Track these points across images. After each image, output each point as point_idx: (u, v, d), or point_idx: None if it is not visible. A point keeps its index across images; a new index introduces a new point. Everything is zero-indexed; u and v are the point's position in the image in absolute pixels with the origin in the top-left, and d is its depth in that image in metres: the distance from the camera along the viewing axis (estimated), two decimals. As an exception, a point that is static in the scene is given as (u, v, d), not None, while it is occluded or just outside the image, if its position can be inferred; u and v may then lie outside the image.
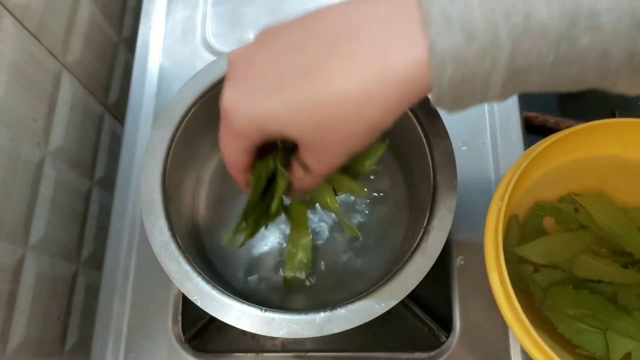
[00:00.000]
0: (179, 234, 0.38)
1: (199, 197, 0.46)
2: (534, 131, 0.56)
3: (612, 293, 0.37)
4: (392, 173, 0.46)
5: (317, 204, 0.41)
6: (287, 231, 0.43)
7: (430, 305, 0.42)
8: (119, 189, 0.46)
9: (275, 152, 0.32)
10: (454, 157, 0.37)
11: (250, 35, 0.52)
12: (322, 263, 0.43)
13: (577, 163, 0.40)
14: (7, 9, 0.39)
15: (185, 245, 0.37)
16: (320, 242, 0.44)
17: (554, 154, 0.38)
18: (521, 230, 0.40)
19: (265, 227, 0.37)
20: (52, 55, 0.45)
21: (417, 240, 0.35)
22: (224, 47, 0.52)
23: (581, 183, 0.41)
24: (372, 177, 0.45)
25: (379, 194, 0.45)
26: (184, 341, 0.42)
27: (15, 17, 0.40)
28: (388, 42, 0.22)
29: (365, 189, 0.40)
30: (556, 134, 0.35)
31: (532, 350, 0.30)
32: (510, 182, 0.33)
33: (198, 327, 0.42)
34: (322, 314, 0.34)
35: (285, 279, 0.42)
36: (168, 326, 0.43)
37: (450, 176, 0.37)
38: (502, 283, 0.32)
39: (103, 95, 0.55)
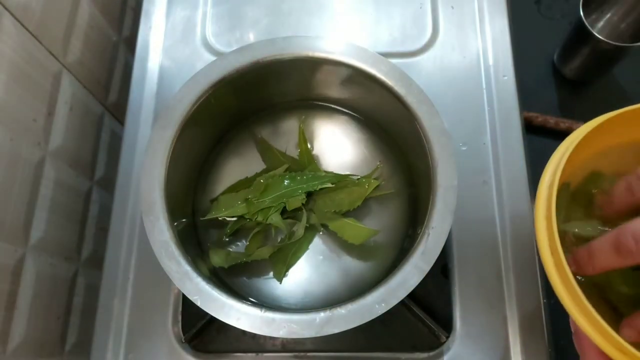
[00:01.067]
0: (178, 234, 0.38)
1: (199, 197, 0.46)
2: (534, 131, 0.56)
3: None
4: (393, 173, 0.46)
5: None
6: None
7: (430, 305, 0.42)
8: (119, 189, 0.46)
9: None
10: (454, 157, 0.37)
11: (251, 36, 0.52)
12: (322, 262, 0.44)
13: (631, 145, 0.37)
14: (7, 9, 0.39)
15: (184, 246, 0.37)
16: (320, 242, 0.44)
17: (610, 133, 0.35)
18: (572, 198, 0.37)
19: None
20: (52, 55, 0.45)
21: (417, 240, 0.35)
22: (224, 47, 0.52)
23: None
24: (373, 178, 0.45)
25: (379, 195, 0.45)
26: (184, 341, 0.42)
27: (15, 17, 0.40)
28: None
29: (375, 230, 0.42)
30: (615, 112, 0.33)
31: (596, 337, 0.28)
32: (565, 154, 0.31)
33: (198, 327, 0.42)
34: (322, 314, 0.34)
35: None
36: (168, 326, 0.43)
37: (450, 176, 0.37)
38: (558, 265, 0.29)
39: (103, 95, 0.55)
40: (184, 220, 0.42)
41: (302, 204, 0.43)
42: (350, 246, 0.43)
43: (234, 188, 0.45)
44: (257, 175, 0.45)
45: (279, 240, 0.44)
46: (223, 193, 0.45)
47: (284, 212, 0.43)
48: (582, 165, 0.36)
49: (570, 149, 0.31)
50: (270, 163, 0.46)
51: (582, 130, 0.33)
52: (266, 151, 0.47)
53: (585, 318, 0.28)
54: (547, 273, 0.30)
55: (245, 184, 0.45)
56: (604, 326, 0.27)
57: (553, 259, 0.30)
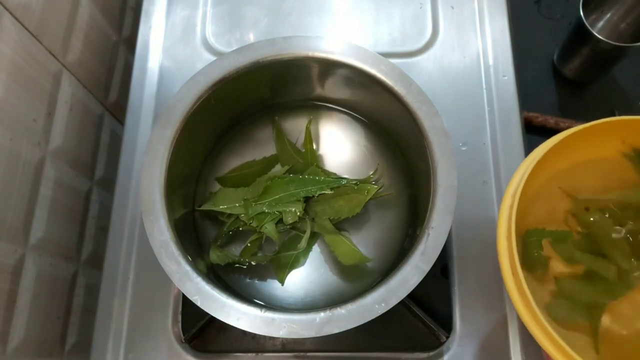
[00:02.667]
0: (178, 233, 0.38)
1: (199, 197, 0.46)
2: (534, 131, 0.56)
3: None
4: (393, 173, 0.46)
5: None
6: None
7: (430, 305, 0.42)
8: (119, 189, 0.46)
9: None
10: (454, 157, 0.37)
11: (251, 36, 0.52)
12: (323, 263, 0.44)
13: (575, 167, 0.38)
14: (7, 9, 0.39)
15: (183, 242, 0.37)
16: (321, 243, 0.44)
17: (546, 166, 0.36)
18: (523, 259, 0.36)
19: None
20: (52, 55, 0.45)
21: (417, 241, 0.35)
22: (224, 47, 0.52)
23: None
24: (372, 181, 0.45)
25: (379, 195, 0.45)
26: (184, 341, 0.42)
27: (15, 17, 0.40)
28: None
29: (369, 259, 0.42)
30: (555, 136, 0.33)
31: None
32: (525, 174, 0.32)
33: (198, 327, 0.42)
34: (322, 314, 0.34)
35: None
36: (168, 326, 0.43)
37: (450, 176, 0.37)
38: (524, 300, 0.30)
39: (103, 95, 0.55)
40: (183, 218, 0.42)
41: (299, 216, 0.42)
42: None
43: (239, 169, 0.46)
44: (267, 159, 0.46)
45: (276, 248, 0.44)
46: (226, 175, 0.46)
47: (280, 221, 0.43)
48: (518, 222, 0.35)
49: (530, 168, 0.32)
50: (280, 151, 0.47)
51: (540, 150, 0.33)
52: (279, 138, 0.47)
53: (544, 336, 0.29)
54: (508, 291, 0.31)
55: (252, 165, 0.46)
56: (562, 344, 0.28)
57: (514, 278, 0.31)
